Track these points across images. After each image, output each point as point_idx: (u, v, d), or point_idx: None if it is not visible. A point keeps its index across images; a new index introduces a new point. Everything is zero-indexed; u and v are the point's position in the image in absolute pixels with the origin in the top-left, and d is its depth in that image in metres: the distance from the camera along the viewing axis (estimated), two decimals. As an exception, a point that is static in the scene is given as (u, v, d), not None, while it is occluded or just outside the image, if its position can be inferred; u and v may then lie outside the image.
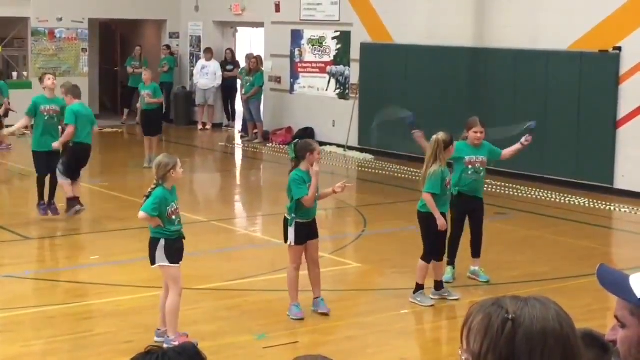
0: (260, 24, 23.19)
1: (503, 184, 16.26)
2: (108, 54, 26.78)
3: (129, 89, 24.86)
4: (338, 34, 20.92)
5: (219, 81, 23.75)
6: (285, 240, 9.17)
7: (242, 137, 22.76)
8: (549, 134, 16.61)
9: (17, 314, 9.18)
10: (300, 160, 9.09)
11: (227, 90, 24.17)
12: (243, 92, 22.36)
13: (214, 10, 24.12)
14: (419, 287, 9.65)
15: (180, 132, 23.53)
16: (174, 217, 8.29)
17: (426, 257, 9.62)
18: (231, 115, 24.59)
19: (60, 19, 23.57)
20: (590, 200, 15.20)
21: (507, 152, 10.82)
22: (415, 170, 17.80)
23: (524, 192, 15.93)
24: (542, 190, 15.90)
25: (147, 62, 24.34)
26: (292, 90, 22.16)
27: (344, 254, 11.97)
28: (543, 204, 15.09)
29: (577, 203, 15.11)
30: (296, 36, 21.94)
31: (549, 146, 16.60)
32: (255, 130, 22.34)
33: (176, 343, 7.94)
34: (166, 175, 8.22)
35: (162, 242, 8.25)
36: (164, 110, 18.50)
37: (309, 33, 21.64)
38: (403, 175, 17.61)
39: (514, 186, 16.19)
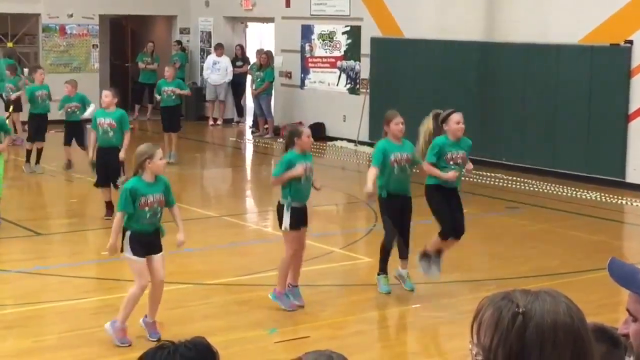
0: (270, 19, 23.18)
1: (514, 178, 16.23)
2: (118, 50, 26.79)
3: (139, 84, 24.89)
4: (348, 28, 20.89)
5: (229, 77, 23.74)
6: (280, 226, 9.17)
7: (252, 132, 22.77)
8: (560, 128, 16.57)
9: (28, 309, 9.20)
10: (291, 146, 9.17)
11: (236, 86, 24.16)
12: (254, 88, 22.36)
13: (224, 5, 24.12)
14: (425, 254, 9.90)
15: (191, 128, 23.53)
16: (146, 209, 8.06)
17: (441, 233, 9.84)
18: (241, 111, 24.60)
19: (71, 15, 23.60)
20: (602, 194, 15.15)
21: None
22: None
23: (534, 186, 15.89)
24: (553, 184, 15.85)
25: (158, 58, 24.36)
26: (302, 85, 22.14)
27: (354, 248, 11.96)
28: (554, 198, 15.05)
29: (588, 197, 15.07)
30: (306, 31, 21.92)
31: (560, 140, 16.56)
32: (266, 126, 22.34)
33: (115, 334, 8.01)
34: (142, 164, 8.07)
35: (128, 233, 8.09)
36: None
37: (319, 28, 21.62)
38: (413, 170, 17.54)
39: (525, 180, 16.15)
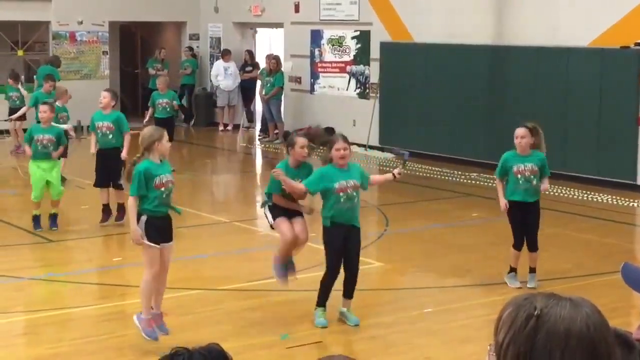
0: (279, 25, 23.21)
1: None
2: (128, 56, 26.87)
3: (149, 90, 24.90)
4: (358, 33, 20.91)
5: (238, 80, 23.80)
6: (270, 225, 9.43)
7: (261, 137, 22.78)
8: (571, 131, 16.56)
9: (40, 316, 9.23)
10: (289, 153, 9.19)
11: (246, 91, 24.20)
12: (263, 93, 22.39)
13: (234, 11, 24.17)
14: (510, 269, 10.19)
15: (201, 134, 23.59)
16: (162, 188, 8.14)
17: (513, 244, 10.17)
18: (251, 116, 24.63)
19: (81, 22, 23.68)
20: (613, 197, 15.12)
21: (376, 178, 9.61)
22: (437, 169, 17.78)
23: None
24: (564, 187, 15.83)
25: (168, 65, 24.41)
26: (312, 90, 22.17)
27: (366, 253, 11.93)
28: (565, 200, 15.03)
29: (599, 200, 15.04)
30: (316, 36, 21.94)
31: (571, 143, 16.54)
32: (276, 131, 22.37)
33: (142, 325, 8.13)
34: (151, 146, 8.17)
35: (144, 218, 8.13)
36: (180, 115, 18.53)
37: (328, 33, 21.64)
38: (425, 174, 17.58)
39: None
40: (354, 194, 8.80)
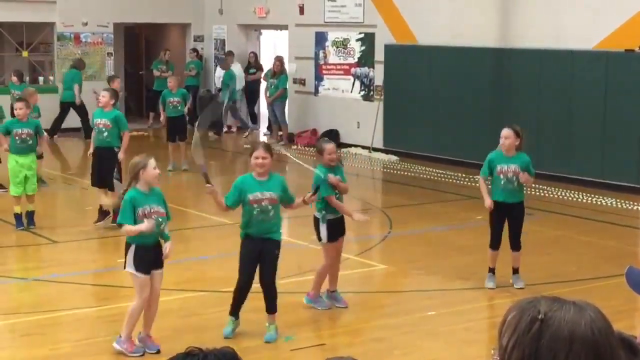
0: (284, 27, 23.23)
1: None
2: (133, 58, 26.90)
3: (154, 92, 24.94)
4: (362, 35, 20.92)
5: (242, 83, 23.82)
6: (319, 238, 9.27)
7: (267, 136, 22.90)
8: (575, 134, 16.55)
9: (45, 317, 9.23)
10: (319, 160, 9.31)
11: (250, 93, 24.21)
12: (268, 95, 22.40)
13: (238, 13, 24.19)
14: (489, 270, 10.25)
15: (205, 135, 23.59)
16: (145, 220, 7.98)
17: (489, 244, 10.24)
18: (255, 118, 24.66)
19: (86, 24, 23.72)
20: (617, 200, 15.11)
21: (296, 202, 8.82)
22: (440, 172, 17.79)
23: (550, 192, 15.86)
24: (568, 191, 15.83)
25: (172, 66, 24.43)
26: (316, 92, 22.18)
27: (369, 255, 11.97)
28: (570, 204, 15.02)
29: (604, 203, 15.03)
30: (320, 38, 21.96)
31: (575, 146, 16.54)
32: (280, 133, 22.38)
33: (124, 346, 8.03)
34: (137, 175, 8.05)
35: (133, 247, 8.03)
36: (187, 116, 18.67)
37: (333, 35, 21.65)
38: (428, 177, 17.58)
39: (540, 186, 16.12)
40: (270, 207, 8.39)
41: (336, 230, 9.27)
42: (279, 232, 8.57)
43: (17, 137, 12.71)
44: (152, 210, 8.04)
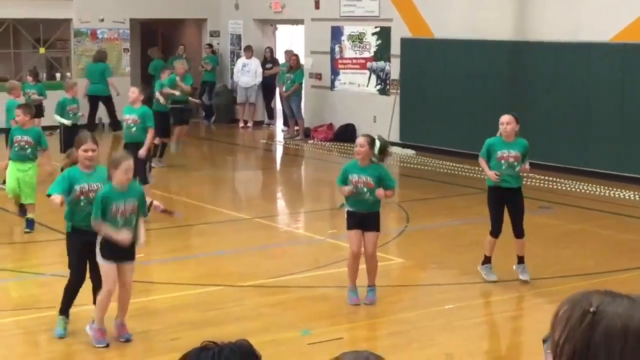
0: (300, 21, 23.22)
1: (546, 177, 16.15)
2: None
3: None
4: (378, 29, 20.89)
5: (259, 79, 23.83)
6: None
7: (283, 130, 22.98)
8: (592, 126, 16.49)
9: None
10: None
11: (267, 88, 24.23)
12: (284, 90, 22.41)
13: (254, 8, 24.20)
14: (485, 259, 10.18)
15: (222, 130, 23.65)
16: (117, 217, 8.00)
17: (490, 231, 10.14)
18: (272, 113, 24.68)
19: (102, 20, 23.77)
20: (635, 193, 15.06)
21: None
22: (457, 165, 17.76)
23: (567, 185, 15.82)
24: (585, 184, 15.78)
25: (189, 61, 24.44)
26: (332, 86, 22.17)
27: (386, 249, 11.96)
28: (587, 197, 14.97)
29: (621, 196, 14.98)
30: (336, 32, 21.94)
31: (593, 139, 16.48)
32: (297, 127, 22.39)
33: (92, 334, 8.21)
34: (110, 172, 8.08)
35: (99, 238, 8.07)
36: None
37: (348, 29, 21.64)
38: (445, 171, 17.56)
39: (558, 180, 16.08)
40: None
41: (353, 221, 9.35)
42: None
43: (16, 144, 12.51)
44: (125, 208, 8.05)
